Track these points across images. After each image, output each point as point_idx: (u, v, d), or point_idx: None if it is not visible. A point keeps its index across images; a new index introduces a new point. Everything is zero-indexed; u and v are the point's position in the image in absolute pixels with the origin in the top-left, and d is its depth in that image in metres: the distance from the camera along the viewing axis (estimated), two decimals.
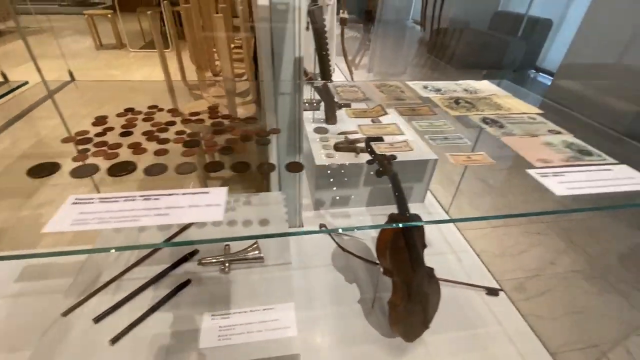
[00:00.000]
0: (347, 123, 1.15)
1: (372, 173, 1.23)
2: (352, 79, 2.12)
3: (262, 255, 0.89)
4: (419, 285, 0.92)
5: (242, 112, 1.33)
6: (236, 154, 0.70)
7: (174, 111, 0.94)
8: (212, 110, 0.97)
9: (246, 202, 1.14)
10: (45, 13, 6.20)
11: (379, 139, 0.78)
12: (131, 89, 1.73)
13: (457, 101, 0.84)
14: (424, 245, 0.95)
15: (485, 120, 0.75)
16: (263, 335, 0.73)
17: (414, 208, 1.63)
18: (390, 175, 0.80)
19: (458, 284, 1.21)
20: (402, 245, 0.84)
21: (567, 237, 1.70)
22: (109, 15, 4.23)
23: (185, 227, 1.00)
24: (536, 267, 1.49)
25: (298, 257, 1.34)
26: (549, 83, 3.64)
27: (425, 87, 0.94)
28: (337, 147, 1.25)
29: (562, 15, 4.10)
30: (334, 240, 1.38)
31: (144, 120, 0.86)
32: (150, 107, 0.93)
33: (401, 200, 0.81)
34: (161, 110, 0.93)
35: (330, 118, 1.46)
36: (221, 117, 0.92)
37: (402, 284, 0.89)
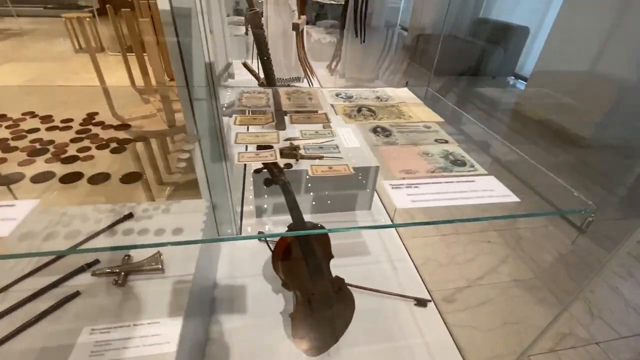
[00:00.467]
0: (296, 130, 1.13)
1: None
2: (312, 85, 2.11)
3: (159, 266, 0.87)
4: (323, 297, 0.89)
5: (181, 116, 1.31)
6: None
7: (69, 120, 0.91)
8: (89, 117, 0.95)
9: (165, 210, 1.11)
10: (28, 15, 6.18)
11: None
12: (88, 94, 1.70)
13: (360, 109, 0.82)
14: (330, 256, 0.93)
15: (375, 129, 0.73)
16: (139, 351, 0.70)
17: (360, 215, 1.60)
18: (280, 184, 0.78)
19: (384, 293, 1.18)
20: (298, 255, 0.82)
21: (518, 246, 1.68)
22: (88, 19, 4.21)
23: (94, 235, 0.97)
24: (479, 275, 1.47)
25: (229, 266, 1.30)
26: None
27: (338, 95, 0.92)
28: (282, 153, 1.23)
29: (540, 23, 4.14)
30: (270, 247, 1.35)
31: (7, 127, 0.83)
32: (24, 114, 0.91)
33: (293, 210, 0.79)
34: (35, 116, 0.90)
35: (279, 123, 1.44)
36: (96, 124, 0.90)
37: (302, 296, 0.87)
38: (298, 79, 2.51)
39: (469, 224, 1.73)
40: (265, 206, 1.49)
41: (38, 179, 0.65)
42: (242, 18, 4.15)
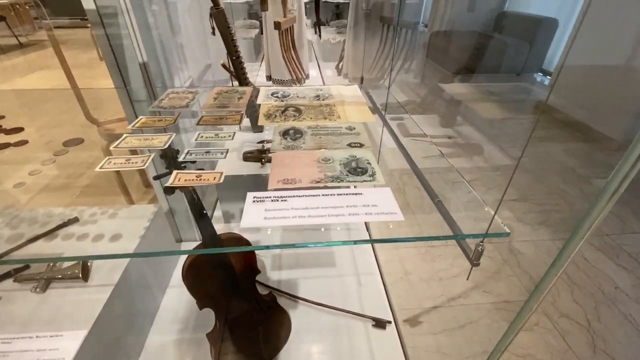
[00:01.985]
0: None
1: None
2: (300, 84, 2.03)
3: (79, 275, 0.83)
4: (245, 317, 0.81)
5: None
6: None
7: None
8: None
9: (112, 214, 1.08)
10: (63, 27, 6.66)
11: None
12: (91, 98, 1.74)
13: (286, 109, 0.74)
14: (255, 271, 0.85)
15: (287, 131, 0.64)
16: None
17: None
18: (185, 192, 0.71)
19: (340, 311, 1.07)
20: (207, 272, 0.75)
21: (516, 262, 1.49)
22: None
23: (33, 239, 0.96)
24: (459, 293, 1.31)
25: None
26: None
27: (273, 94, 0.84)
28: (246, 157, 1.17)
29: (569, 15, 3.78)
30: None
31: None
32: None
33: (200, 222, 0.72)
34: None
35: (254, 126, 1.38)
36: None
37: (217, 315, 0.79)
38: (298, 80, 2.45)
39: None
40: (232, 212, 1.44)
41: None
42: (254, 22, 4.17)
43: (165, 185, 0.50)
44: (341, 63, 3.68)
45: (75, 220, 1.06)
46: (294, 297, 1.08)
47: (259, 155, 1.11)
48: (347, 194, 0.45)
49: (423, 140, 0.84)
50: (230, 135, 0.63)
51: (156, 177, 0.70)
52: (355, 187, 0.48)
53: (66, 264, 0.88)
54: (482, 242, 0.42)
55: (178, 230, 1.35)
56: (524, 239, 1.61)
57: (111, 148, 0.60)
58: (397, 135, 0.82)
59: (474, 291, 1.34)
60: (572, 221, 1.71)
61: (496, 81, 4.13)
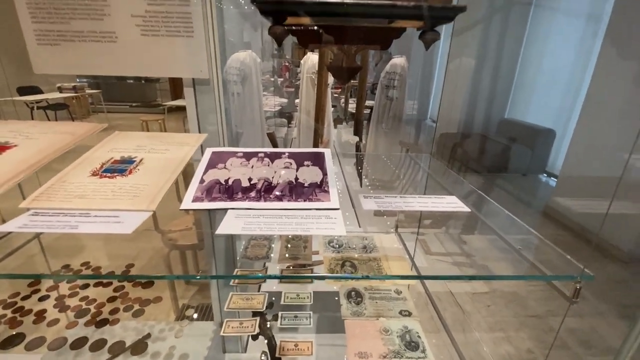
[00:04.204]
0: None
1: None
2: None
3: None
4: None
5: None
6: None
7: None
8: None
9: (179, 330, 1.24)
10: (117, 112, 7.60)
11: None
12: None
13: (344, 263, 0.95)
14: None
15: (350, 293, 0.84)
16: None
17: None
18: (266, 339, 0.88)
19: None
20: None
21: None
22: (159, 122, 5.13)
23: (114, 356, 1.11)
24: None
25: None
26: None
27: (329, 243, 1.07)
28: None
29: (565, 124, 4.23)
30: None
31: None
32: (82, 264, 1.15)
33: None
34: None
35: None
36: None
37: None
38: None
39: None
40: None
41: None
42: (284, 120, 4.77)
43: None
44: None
45: (148, 336, 1.22)
46: None
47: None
48: None
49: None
50: (307, 297, 0.83)
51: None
52: None
53: None
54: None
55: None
56: None
57: (225, 309, 0.77)
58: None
59: None
60: None
61: (506, 180, 4.44)
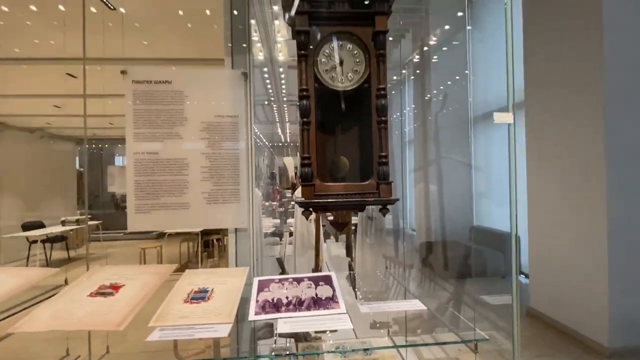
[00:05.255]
0: None
1: None
2: None
3: None
4: None
5: None
6: None
7: None
8: None
9: None
10: (112, 240, 7.82)
11: None
12: None
13: None
14: None
15: None
16: None
17: None
18: None
19: None
20: None
21: None
22: (157, 248, 5.43)
23: None
24: None
25: None
26: None
27: (337, 348, 1.34)
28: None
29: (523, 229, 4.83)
30: None
31: None
32: None
33: None
34: None
35: None
36: None
37: None
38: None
39: None
40: None
41: None
42: (276, 239, 5.20)
43: None
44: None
45: None
46: None
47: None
48: None
49: None
50: None
51: None
52: None
53: None
54: None
55: None
56: None
57: None
58: None
59: None
60: None
61: (488, 283, 4.72)
